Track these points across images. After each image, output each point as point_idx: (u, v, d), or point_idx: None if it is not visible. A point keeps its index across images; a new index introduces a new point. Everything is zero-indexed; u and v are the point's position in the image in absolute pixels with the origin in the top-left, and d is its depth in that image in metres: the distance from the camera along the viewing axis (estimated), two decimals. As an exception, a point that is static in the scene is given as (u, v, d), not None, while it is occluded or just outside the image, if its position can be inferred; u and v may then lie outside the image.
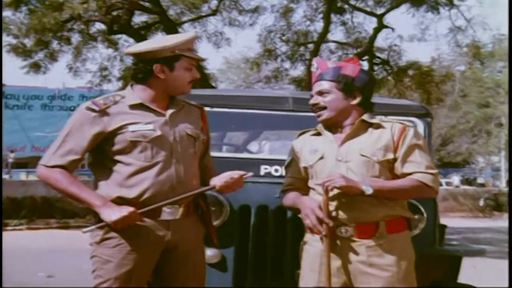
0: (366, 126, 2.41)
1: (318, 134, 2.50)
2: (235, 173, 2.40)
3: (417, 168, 2.34)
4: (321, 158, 2.40)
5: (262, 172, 3.27)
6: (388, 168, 2.35)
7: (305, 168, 2.46)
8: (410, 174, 2.34)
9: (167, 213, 2.34)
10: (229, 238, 3.03)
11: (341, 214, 2.32)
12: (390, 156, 2.35)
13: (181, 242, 2.37)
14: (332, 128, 2.45)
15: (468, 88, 21.85)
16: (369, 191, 2.25)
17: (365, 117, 2.42)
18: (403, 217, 2.39)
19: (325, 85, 2.43)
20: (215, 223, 2.95)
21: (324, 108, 2.42)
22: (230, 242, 3.04)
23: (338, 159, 2.36)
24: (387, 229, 2.32)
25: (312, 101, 2.45)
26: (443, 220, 3.62)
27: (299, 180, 2.51)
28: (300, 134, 2.57)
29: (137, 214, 2.27)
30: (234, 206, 3.06)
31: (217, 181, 2.41)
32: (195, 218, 2.44)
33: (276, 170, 3.27)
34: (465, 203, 21.64)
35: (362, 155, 2.34)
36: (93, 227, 2.32)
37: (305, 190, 2.50)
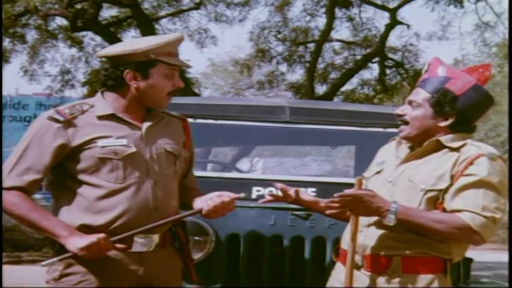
0: (439, 148, 2.35)
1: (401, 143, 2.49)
2: (225, 195, 2.40)
3: (467, 205, 2.22)
4: (378, 172, 2.43)
5: (254, 195, 3.29)
6: (434, 200, 2.28)
7: (362, 179, 2.42)
8: (458, 211, 2.23)
9: (139, 244, 2.35)
10: (215, 274, 3.04)
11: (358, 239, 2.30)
12: (442, 186, 2.27)
13: (155, 278, 2.38)
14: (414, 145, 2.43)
15: (498, 95, 21.96)
16: (390, 222, 2.22)
17: (444, 138, 2.33)
18: (433, 256, 2.29)
19: (420, 96, 2.36)
20: (198, 255, 2.97)
21: (406, 123, 2.37)
22: (216, 278, 3.05)
23: (389, 180, 2.37)
24: (403, 267, 2.26)
25: (399, 110, 2.40)
26: (469, 253, 3.63)
27: None
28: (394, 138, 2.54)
29: (108, 242, 2.28)
30: (221, 235, 3.07)
31: (203, 203, 2.41)
32: (172, 249, 2.45)
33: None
34: (497, 232, 21.70)
35: (409, 180, 2.32)
36: (55, 259, 2.32)
37: None
